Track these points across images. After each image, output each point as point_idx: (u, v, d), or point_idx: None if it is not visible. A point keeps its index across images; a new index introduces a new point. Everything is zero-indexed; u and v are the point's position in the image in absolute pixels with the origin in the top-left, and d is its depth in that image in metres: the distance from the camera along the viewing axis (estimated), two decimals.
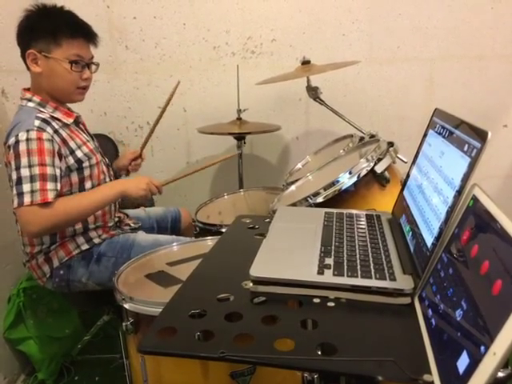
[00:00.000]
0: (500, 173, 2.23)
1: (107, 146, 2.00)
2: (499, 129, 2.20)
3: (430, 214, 0.71)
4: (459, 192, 0.61)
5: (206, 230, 1.51)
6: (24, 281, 1.58)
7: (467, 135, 0.65)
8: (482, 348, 0.42)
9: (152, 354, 0.57)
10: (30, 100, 1.30)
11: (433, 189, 0.74)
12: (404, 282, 0.67)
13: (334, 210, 0.96)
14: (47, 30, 1.25)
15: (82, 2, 1.88)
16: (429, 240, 0.67)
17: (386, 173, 1.08)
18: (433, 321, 0.56)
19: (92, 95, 2.01)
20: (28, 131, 1.19)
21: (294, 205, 1.09)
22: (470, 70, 2.11)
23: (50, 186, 1.17)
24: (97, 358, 1.69)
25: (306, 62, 1.69)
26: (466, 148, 0.64)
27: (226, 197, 1.79)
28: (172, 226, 1.70)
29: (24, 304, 1.56)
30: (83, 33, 1.30)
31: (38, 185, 1.16)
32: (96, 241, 1.38)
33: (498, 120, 2.18)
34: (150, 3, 1.94)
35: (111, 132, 2.09)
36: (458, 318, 0.49)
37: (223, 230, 1.47)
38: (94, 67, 1.37)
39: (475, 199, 0.58)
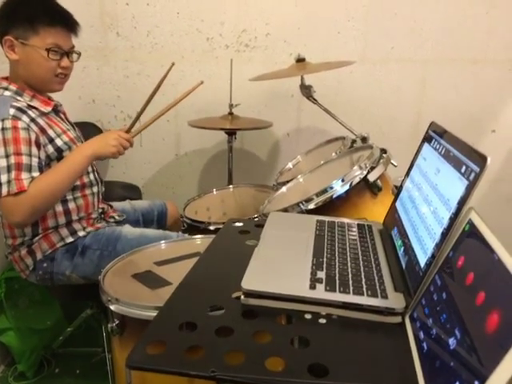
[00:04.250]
0: (487, 177, 2.23)
1: (94, 134, 1.95)
2: (487, 133, 2.22)
3: (424, 232, 0.71)
4: (455, 215, 0.61)
5: (194, 226, 1.50)
6: (6, 271, 1.55)
7: (465, 156, 0.65)
8: (476, 383, 0.42)
9: (140, 369, 0.56)
10: (6, 89, 1.27)
11: (427, 206, 0.74)
12: (395, 300, 0.67)
13: (326, 219, 0.96)
14: (25, 16, 1.22)
15: None
16: (422, 259, 0.68)
17: (379, 181, 1.08)
18: (424, 345, 0.56)
19: (80, 82, 1.97)
20: (3, 120, 1.17)
21: (285, 210, 1.08)
22: (462, 73, 2.12)
23: (24, 175, 1.15)
24: (78, 351, 1.68)
25: (300, 60, 1.67)
26: (463, 169, 0.64)
27: (214, 192, 1.77)
28: (158, 220, 1.68)
29: (5, 294, 1.53)
30: (62, 21, 1.26)
31: (13, 174, 1.14)
32: (81, 233, 1.36)
33: (487, 125, 2.20)
34: None
35: (99, 120, 2.05)
36: (452, 347, 0.50)
37: (211, 228, 1.46)
38: (75, 56, 1.33)
39: (471, 224, 0.58)
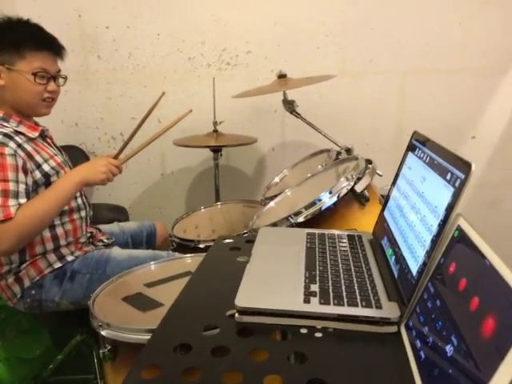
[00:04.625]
0: (470, 183, 2.28)
1: (79, 157, 1.95)
2: (468, 140, 2.27)
3: (414, 240, 0.71)
4: (444, 221, 0.62)
5: (183, 245, 1.49)
6: None
7: (450, 164, 0.66)
8: None
9: None
10: None
11: (415, 214, 0.74)
12: (390, 309, 0.67)
13: (316, 231, 0.96)
14: (10, 42, 1.22)
15: (53, 11, 1.83)
16: (413, 267, 0.68)
17: (366, 191, 1.09)
18: (422, 353, 0.56)
19: (63, 105, 1.96)
20: None
21: (274, 224, 1.08)
22: (439, 83, 2.17)
23: (11, 202, 1.14)
24: (69, 380, 1.63)
25: (282, 76, 1.70)
26: (448, 177, 0.65)
27: (202, 210, 1.77)
28: (147, 241, 1.66)
29: None
30: (48, 46, 1.27)
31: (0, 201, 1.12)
32: (69, 258, 1.34)
33: (467, 131, 2.25)
34: (123, 13, 1.91)
35: (83, 143, 2.04)
36: (449, 354, 0.50)
37: (201, 246, 1.45)
38: (61, 80, 1.33)
39: (460, 230, 0.59)
